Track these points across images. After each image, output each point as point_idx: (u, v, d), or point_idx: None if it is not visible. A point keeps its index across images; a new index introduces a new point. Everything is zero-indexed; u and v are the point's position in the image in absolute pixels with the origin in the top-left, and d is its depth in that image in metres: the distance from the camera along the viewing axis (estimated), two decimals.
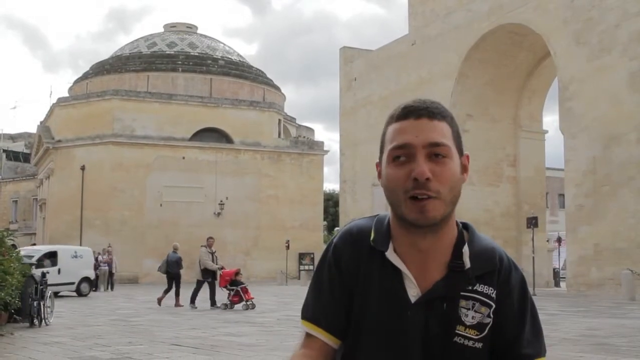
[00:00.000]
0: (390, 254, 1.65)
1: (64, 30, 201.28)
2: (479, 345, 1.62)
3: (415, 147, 1.57)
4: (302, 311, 1.74)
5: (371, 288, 1.65)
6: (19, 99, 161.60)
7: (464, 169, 1.67)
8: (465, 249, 1.65)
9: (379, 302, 1.63)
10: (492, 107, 33.11)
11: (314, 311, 1.70)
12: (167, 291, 20.13)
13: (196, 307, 18.86)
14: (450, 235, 1.67)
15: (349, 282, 1.68)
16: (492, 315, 1.63)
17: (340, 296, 1.68)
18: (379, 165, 1.68)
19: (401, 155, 1.59)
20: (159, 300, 19.82)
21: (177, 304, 19.53)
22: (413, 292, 1.63)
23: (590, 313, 16.92)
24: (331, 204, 62.76)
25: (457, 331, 1.61)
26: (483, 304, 1.63)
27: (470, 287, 1.63)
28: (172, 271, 20.29)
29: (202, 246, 19.65)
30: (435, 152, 1.58)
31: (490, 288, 1.64)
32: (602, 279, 25.06)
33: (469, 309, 1.62)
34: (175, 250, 20.93)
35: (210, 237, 19.88)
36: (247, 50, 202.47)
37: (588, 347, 10.07)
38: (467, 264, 1.64)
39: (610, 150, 25.10)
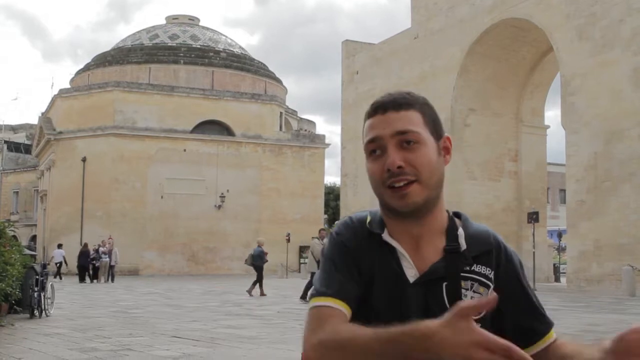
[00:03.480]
0: (386, 236, 1.68)
1: (63, 20, 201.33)
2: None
3: (385, 139, 1.63)
4: (314, 292, 1.63)
5: (370, 270, 1.67)
6: (20, 89, 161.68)
7: (445, 150, 1.69)
8: (461, 232, 1.68)
9: (379, 283, 1.66)
10: (494, 101, 33.06)
11: (330, 288, 1.61)
12: (259, 282, 21.72)
13: None
14: (441, 221, 1.70)
15: (356, 261, 1.68)
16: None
17: (353, 273, 1.66)
18: None
19: (375, 149, 1.65)
20: (261, 293, 21.33)
21: (250, 293, 21.24)
22: (411, 273, 1.65)
23: (590, 308, 16.93)
24: (332, 197, 62.71)
25: None
26: (482, 284, 1.66)
27: (468, 268, 1.66)
28: (256, 263, 21.98)
29: (314, 238, 19.66)
30: (405, 140, 1.62)
31: (488, 268, 1.67)
32: (603, 275, 25.06)
33: (467, 290, 1.64)
34: (259, 245, 22.77)
35: (323, 229, 20.37)
36: (249, 41, 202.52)
37: (588, 342, 10.06)
38: (463, 245, 1.67)
39: (612, 146, 25.06)
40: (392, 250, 1.67)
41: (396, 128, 1.62)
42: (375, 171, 1.63)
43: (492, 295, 1.43)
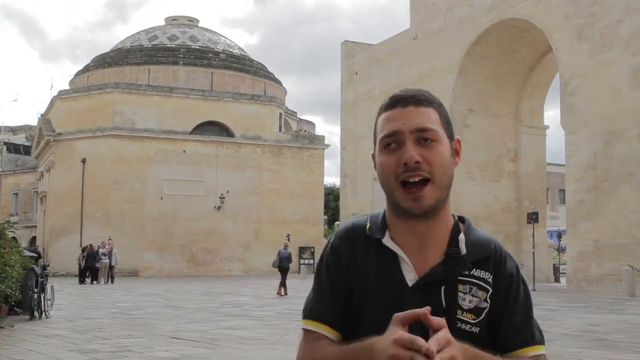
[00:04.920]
0: (387, 240, 1.68)
1: (61, 20, 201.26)
2: (475, 329, 1.64)
3: (404, 133, 1.62)
4: (304, 312, 1.75)
5: (369, 274, 1.68)
6: (18, 89, 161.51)
7: (456, 152, 1.71)
8: (462, 237, 1.68)
9: (377, 286, 1.66)
10: (493, 102, 33.07)
11: (317, 310, 1.72)
12: (282, 282, 22.60)
13: None
14: (446, 222, 1.70)
15: (348, 278, 1.70)
16: (488, 300, 1.66)
17: (340, 293, 1.70)
18: (374, 156, 1.72)
19: (391, 142, 1.64)
20: (279, 292, 22.31)
21: (278, 292, 22.11)
22: (410, 277, 1.65)
23: (590, 309, 16.94)
24: (332, 198, 62.79)
25: (457, 316, 1.63)
26: (480, 288, 1.66)
27: (467, 272, 1.66)
28: (283, 265, 22.86)
29: None
30: (423, 137, 1.62)
31: (487, 273, 1.67)
32: (602, 275, 25.07)
33: (466, 293, 1.65)
34: (285, 247, 23.85)
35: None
36: (248, 41, 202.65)
37: (588, 342, 10.08)
38: (463, 250, 1.67)
39: (611, 146, 25.08)
40: (393, 254, 1.67)
41: (416, 124, 1.62)
42: (389, 164, 1.63)
43: (426, 308, 1.46)
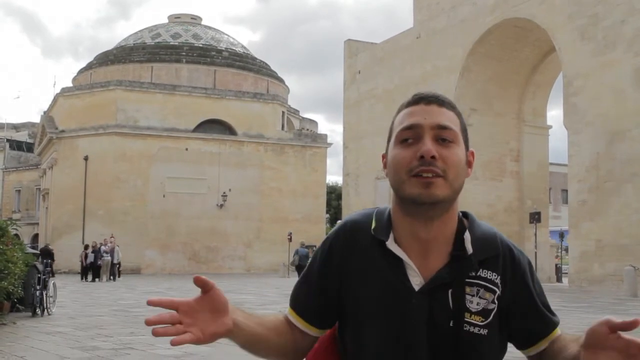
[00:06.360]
0: (391, 244, 1.65)
1: (63, 17, 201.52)
2: (484, 331, 1.61)
3: (423, 128, 1.60)
4: (290, 298, 1.78)
5: (372, 278, 1.65)
6: (20, 86, 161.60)
7: (469, 164, 1.67)
8: (467, 235, 1.65)
9: (381, 292, 1.63)
10: (496, 101, 33.06)
11: (298, 302, 1.74)
12: None
13: None
14: (451, 226, 1.66)
15: (338, 277, 1.68)
16: (496, 301, 1.63)
17: (323, 289, 1.69)
18: (385, 156, 1.69)
19: (409, 137, 1.61)
20: None
21: None
22: (416, 281, 1.62)
23: (592, 309, 16.93)
24: (334, 196, 62.76)
25: (465, 319, 1.60)
26: (487, 289, 1.63)
27: (473, 274, 1.63)
28: (302, 263, 24.01)
29: None
30: (442, 136, 1.60)
31: (494, 273, 1.64)
32: (604, 275, 25.06)
33: (473, 295, 1.62)
34: (303, 245, 25.26)
35: None
36: (251, 38, 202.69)
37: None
38: (470, 249, 1.63)
39: (614, 146, 25.06)
40: (397, 258, 1.64)
41: (438, 121, 1.61)
42: (404, 157, 1.59)
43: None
